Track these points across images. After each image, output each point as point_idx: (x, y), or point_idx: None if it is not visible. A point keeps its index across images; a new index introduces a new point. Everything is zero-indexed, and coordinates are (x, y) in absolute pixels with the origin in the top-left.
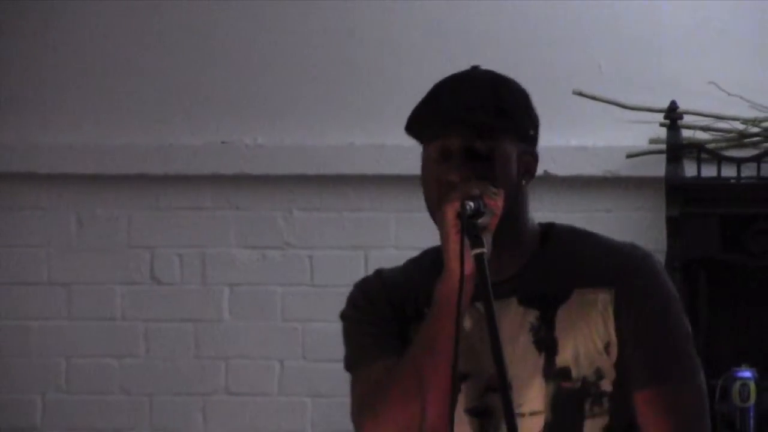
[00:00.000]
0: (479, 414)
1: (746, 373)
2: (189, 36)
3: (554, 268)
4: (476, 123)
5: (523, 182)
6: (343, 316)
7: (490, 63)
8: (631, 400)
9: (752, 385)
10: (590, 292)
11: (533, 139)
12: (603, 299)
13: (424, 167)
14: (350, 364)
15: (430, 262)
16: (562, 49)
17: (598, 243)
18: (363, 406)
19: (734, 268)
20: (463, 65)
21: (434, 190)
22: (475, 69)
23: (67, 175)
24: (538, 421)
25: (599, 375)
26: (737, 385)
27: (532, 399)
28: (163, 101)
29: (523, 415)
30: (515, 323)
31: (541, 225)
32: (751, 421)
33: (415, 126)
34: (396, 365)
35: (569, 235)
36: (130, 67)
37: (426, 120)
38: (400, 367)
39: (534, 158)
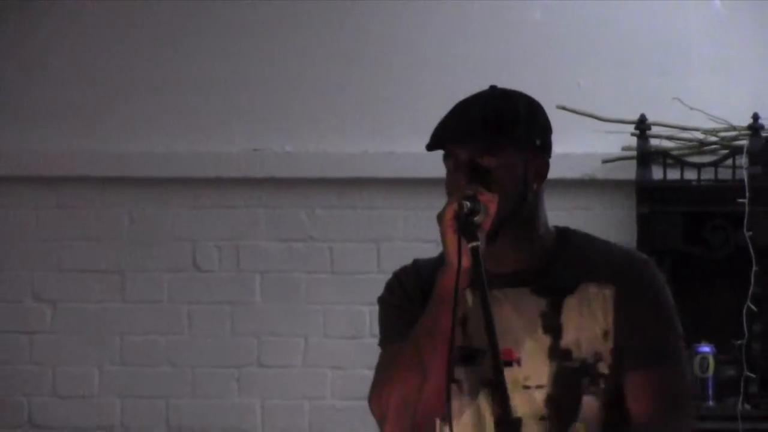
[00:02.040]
0: (489, 385)
1: (705, 348)
2: (227, 58)
3: (565, 265)
4: (480, 140)
5: (534, 186)
6: (380, 299)
7: (489, 81)
8: (623, 381)
9: (711, 359)
10: (594, 287)
11: (542, 147)
12: (605, 294)
13: (446, 176)
14: (380, 343)
15: None
16: (546, 69)
17: (606, 247)
18: (374, 380)
19: (695, 258)
20: (460, 84)
21: (448, 194)
22: (492, 89)
23: (120, 179)
24: (542, 394)
25: (597, 358)
26: (698, 358)
27: (538, 375)
28: (203, 114)
29: (529, 387)
30: (528, 309)
31: (557, 228)
32: (710, 390)
33: (434, 144)
34: (401, 346)
35: (582, 239)
36: (175, 85)
37: (441, 138)
38: (403, 348)
39: (544, 163)
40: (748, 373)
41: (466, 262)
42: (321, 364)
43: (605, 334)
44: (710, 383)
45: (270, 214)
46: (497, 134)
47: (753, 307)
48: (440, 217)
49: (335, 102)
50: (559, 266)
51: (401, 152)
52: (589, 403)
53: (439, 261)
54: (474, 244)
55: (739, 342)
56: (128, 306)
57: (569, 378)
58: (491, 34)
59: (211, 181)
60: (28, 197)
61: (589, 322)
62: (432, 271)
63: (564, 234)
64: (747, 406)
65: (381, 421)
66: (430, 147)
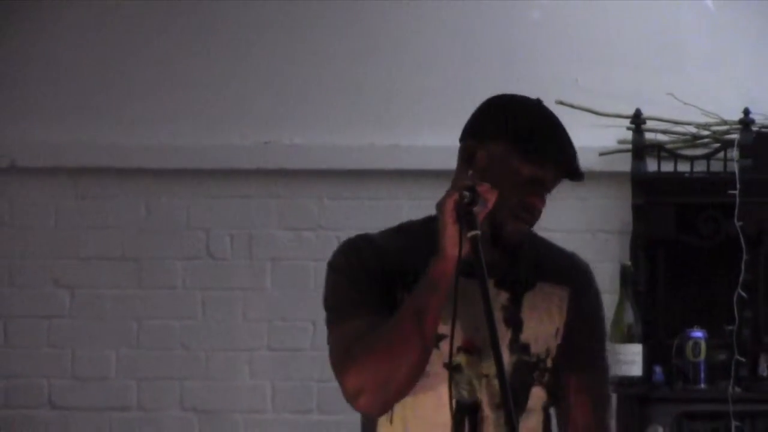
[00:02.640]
0: (453, 369)
1: (698, 334)
2: (239, 56)
3: (525, 262)
4: (568, 170)
5: None
6: (333, 265)
7: (490, 77)
8: (562, 377)
9: (703, 344)
10: (550, 287)
11: None
12: (560, 294)
13: (507, 169)
14: (334, 311)
15: (413, 234)
16: (546, 66)
17: (553, 248)
18: (347, 355)
19: (688, 247)
20: (462, 81)
21: (507, 194)
22: (548, 110)
23: (136, 170)
24: None
25: (547, 353)
26: (690, 343)
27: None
28: (217, 109)
29: (488, 376)
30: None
31: None
32: (702, 374)
33: (533, 153)
34: (384, 325)
35: (533, 238)
36: (190, 81)
37: (541, 153)
38: (388, 328)
39: None
40: (739, 357)
41: (464, 252)
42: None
43: (556, 331)
44: (702, 367)
45: (281, 204)
46: (576, 172)
47: (743, 294)
48: (440, 206)
49: (343, 97)
50: (519, 262)
51: (405, 145)
52: (536, 394)
53: (389, 240)
54: (474, 233)
55: (730, 327)
56: (144, 292)
57: (525, 370)
58: (493, 34)
59: (224, 172)
60: (48, 188)
61: (545, 319)
62: (388, 249)
63: None
64: (738, 389)
65: (355, 395)
66: (533, 155)
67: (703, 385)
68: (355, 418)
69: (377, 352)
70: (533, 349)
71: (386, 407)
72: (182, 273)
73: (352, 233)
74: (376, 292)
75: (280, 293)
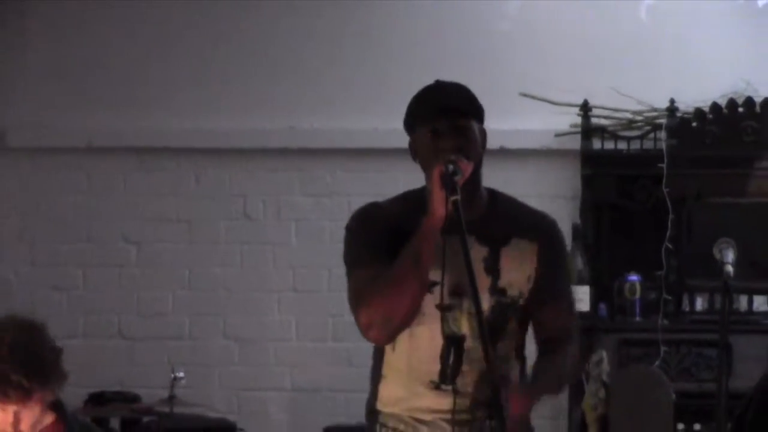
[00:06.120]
0: (444, 309)
1: (634, 277)
2: (269, 58)
3: (501, 219)
4: (456, 108)
5: (482, 151)
6: (349, 228)
7: (468, 75)
8: (536, 312)
9: (638, 285)
10: (523, 242)
11: (483, 121)
12: (531, 247)
13: (420, 146)
14: (350, 263)
15: (413, 201)
16: (513, 65)
17: (525, 208)
18: (360, 296)
19: (626, 209)
20: (449, 79)
21: (430, 159)
22: (439, 81)
23: (189, 149)
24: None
25: (521, 296)
26: (628, 285)
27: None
28: (252, 101)
29: (472, 313)
30: (473, 254)
31: (486, 189)
32: (637, 309)
33: (413, 118)
34: (387, 270)
35: (508, 199)
36: (232, 79)
37: (420, 112)
38: (391, 273)
39: (485, 134)
40: (666, 296)
41: (448, 210)
42: (342, 289)
43: (529, 277)
44: (637, 304)
45: (303, 175)
46: (467, 104)
47: (670, 245)
48: (430, 176)
49: (353, 91)
50: (494, 220)
51: (402, 129)
52: (511, 326)
53: (395, 205)
54: (455, 197)
55: (659, 272)
56: (194, 246)
57: (502, 309)
58: (471, 41)
59: (258, 150)
60: (117, 163)
61: (519, 268)
62: (392, 212)
63: (493, 194)
64: (665, 322)
65: (367, 328)
66: (412, 123)
67: (638, 319)
68: (360, 345)
69: (382, 292)
70: (509, 293)
71: (391, 338)
72: (225, 231)
73: (360, 199)
74: (382, 247)
75: (302, 246)
